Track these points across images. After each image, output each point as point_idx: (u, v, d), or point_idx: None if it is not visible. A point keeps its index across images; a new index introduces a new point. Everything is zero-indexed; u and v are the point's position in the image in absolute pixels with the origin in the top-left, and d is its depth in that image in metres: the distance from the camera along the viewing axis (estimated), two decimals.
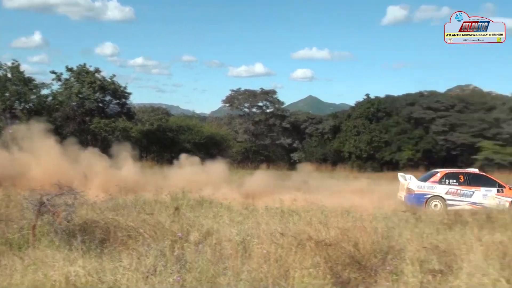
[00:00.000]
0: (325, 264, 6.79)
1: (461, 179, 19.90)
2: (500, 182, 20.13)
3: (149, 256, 7.06)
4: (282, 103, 62.14)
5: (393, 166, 52.47)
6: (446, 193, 19.55)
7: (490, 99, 60.82)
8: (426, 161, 51.85)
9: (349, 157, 55.37)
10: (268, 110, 60.69)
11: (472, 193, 19.56)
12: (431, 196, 19.47)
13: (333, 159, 54.40)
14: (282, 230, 8.39)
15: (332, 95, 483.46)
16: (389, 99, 62.95)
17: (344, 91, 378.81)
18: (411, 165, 50.88)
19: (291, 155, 59.02)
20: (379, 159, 54.58)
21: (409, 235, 8.90)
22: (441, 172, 20.51)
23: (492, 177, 20.87)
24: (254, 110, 61.13)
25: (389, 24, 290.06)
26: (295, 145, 60.83)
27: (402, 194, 19.95)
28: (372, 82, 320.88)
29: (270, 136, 59.75)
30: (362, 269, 6.90)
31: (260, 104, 60.99)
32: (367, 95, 61.25)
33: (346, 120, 59.77)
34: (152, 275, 6.42)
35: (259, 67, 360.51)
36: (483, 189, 19.60)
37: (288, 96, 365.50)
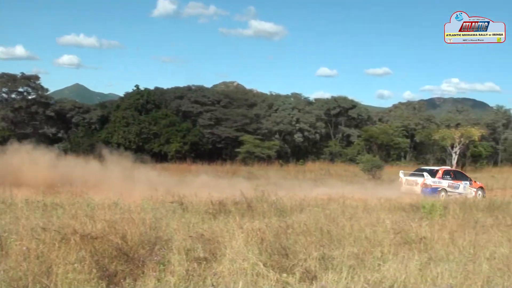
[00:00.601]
0: (91, 258, 6.58)
1: (451, 175, 26.15)
2: (470, 177, 26.93)
3: None
4: (46, 90, 59.04)
5: (162, 157, 53.25)
6: (448, 186, 25.32)
7: (251, 96, 65.87)
8: (193, 154, 53.79)
9: (118, 148, 54.60)
10: (30, 97, 57.16)
11: (458, 185, 25.70)
12: (441, 189, 24.95)
13: (100, 150, 53.10)
14: (44, 224, 7.94)
15: (100, 84, 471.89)
16: (159, 91, 63.86)
17: (113, 81, 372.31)
18: (179, 157, 52.32)
19: (56, 145, 56.03)
20: (148, 151, 54.87)
21: (176, 225, 9.08)
22: (441, 169, 26.58)
23: (465, 173, 27.93)
24: (13, 96, 57.03)
25: (159, 16, 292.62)
26: (60, 135, 58.13)
27: (416, 188, 24.85)
28: (142, 73, 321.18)
29: (32, 124, 56.18)
30: (129, 261, 6.84)
31: (21, 89, 57.13)
32: (137, 86, 61.23)
33: (115, 110, 58.95)
34: None
35: (19, 50, 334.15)
36: (463, 182, 26.02)
37: (53, 83, 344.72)
